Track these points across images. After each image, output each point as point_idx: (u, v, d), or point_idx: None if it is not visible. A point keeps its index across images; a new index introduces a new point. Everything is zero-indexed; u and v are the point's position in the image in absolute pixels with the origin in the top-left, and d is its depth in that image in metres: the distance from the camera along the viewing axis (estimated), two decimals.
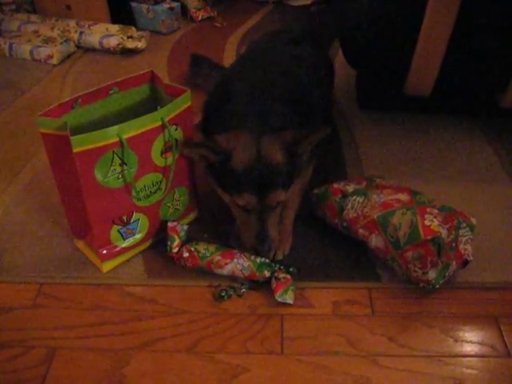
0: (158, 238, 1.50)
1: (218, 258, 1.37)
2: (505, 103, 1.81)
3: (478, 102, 2.00)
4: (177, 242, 1.40)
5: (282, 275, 1.33)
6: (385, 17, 1.72)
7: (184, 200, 1.51)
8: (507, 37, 1.64)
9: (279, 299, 1.30)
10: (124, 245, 1.42)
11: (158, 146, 1.32)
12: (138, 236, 1.44)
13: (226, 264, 1.36)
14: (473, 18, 1.61)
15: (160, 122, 1.29)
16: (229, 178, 1.30)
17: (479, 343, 1.25)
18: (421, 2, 1.60)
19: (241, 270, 1.35)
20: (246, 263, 1.35)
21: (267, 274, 1.35)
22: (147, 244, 1.49)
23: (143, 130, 1.27)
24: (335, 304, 1.34)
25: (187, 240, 1.44)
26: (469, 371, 1.19)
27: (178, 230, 1.42)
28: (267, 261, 1.36)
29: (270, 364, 1.20)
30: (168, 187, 1.40)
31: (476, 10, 1.59)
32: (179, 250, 1.40)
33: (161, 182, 1.39)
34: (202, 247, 1.39)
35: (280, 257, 1.42)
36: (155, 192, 1.39)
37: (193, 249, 1.39)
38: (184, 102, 1.35)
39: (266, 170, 1.27)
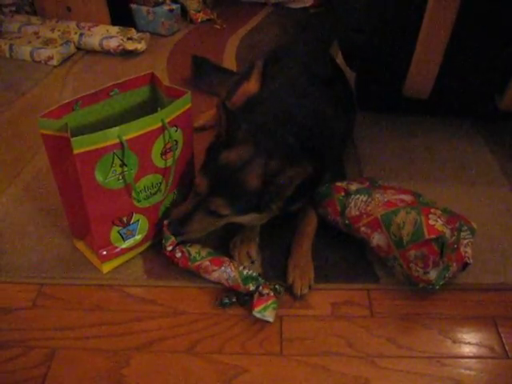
0: (158, 239, 1.50)
1: (206, 263, 1.36)
2: (503, 105, 1.81)
3: (477, 104, 2.00)
4: (171, 240, 1.38)
5: (265, 291, 1.29)
6: (383, 19, 1.73)
7: (184, 201, 1.51)
8: (506, 39, 1.65)
9: (257, 315, 1.27)
10: (124, 246, 1.43)
11: (158, 147, 1.32)
12: (138, 237, 1.45)
13: (214, 271, 1.35)
14: (471, 20, 1.61)
15: (160, 124, 1.30)
16: (211, 159, 1.35)
17: (477, 344, 1.25)
18: (420, 4, 1.61)
19: (226, 279, 1.34)
20: (233, 273, 1.33)
21: (252, 287, 1.31)
22: (147, 245, 1.49)
23: (143, 131, 1.27)
24: (334, 305, 1.34)
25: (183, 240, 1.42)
26: (467, 372, 1.19)
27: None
28: (254, 274, 1.33)
29: (269, 365, 1.20)
30: (168, 189, 1.40)
31: (474, 11, 1.59)
32: (173, 249, 1.39)
33: (161, 183, 1.39)
34: (194, 250, 1.39)
35: (305, 291, 1.35)
36: (155, 193, 1.40)
37: (185, 250, 1.38)
38: (184, 103, 1.35)
39: (233, 181, 1.30)
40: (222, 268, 1.34)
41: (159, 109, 1.32)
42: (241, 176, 1.30)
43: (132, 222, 1.40)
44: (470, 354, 1.23)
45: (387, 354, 1.23)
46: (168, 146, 1.34)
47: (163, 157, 1.35)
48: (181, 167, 1.43)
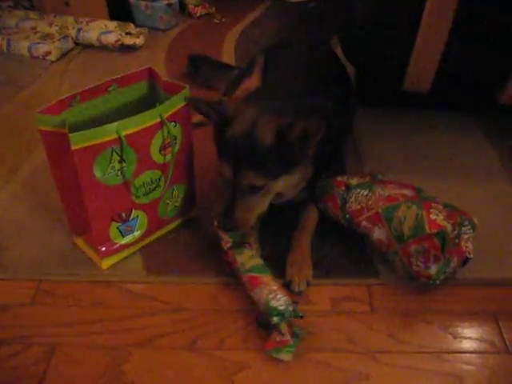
0: (157, 234, 1.50)
1: (246, 279, 1.30)
2: (504, 99, 1.81)
3: (478, 99, 1.99)
4: (224, 240, 1.36)
5: (284, 331, 1.19)
6: (384, 12, 1.72)
7: (183, 197, 1.51)
8: (506, 32, 1.64)
9: (269, 354, 1.20)
10: (123, 242, 1.42)
11: (156, 142, 1.31)
12: (137, 233, 1.44)
13: (249, 289, 1.29)
14: (472, 13, 1.61)
15: (159, 119, 1.29)
16: (222, 143, 1.34)
17: (478, 340, 1.25)
18: None
19: (257, 302, 1.27)
20: (261, 300, 1.24)
21: (274, 321, 1.20)
22: (146, 241, 1.49)
23: (142, 126, 1.26)
24: (334, 301, 1.34)
25: (240, 241, 1.38)
26: (468, 367, 1.19)
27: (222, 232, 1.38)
28: (281, 307, 1.20)
29: (270, 360, 1.20)
30: (167, 184, 1.40)
31: (475, 4, 1.59)
32: (227, 250, 1.36)
33: (160, 179, 1.39)
34: (241, 258, 1.33)
35: (302, 287, 1.35)
36: (154, 189, 1.39)
37: (235, 256, 1.34)
38: (183, 98, 1.34)
39: (249, 145, 1.26)
40: (257, 290, 1.26)
41: (158, 104, 1.31)
42: (253, 137, 1.27)
43: (131, 218, 1.39)
44: (471, 349, 1.23)
45: (388, 350, 1.23)
46: (167, 142, 1.33)
47: (162, 152, 1.34)
48: (180, 163, 1.42)
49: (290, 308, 1.20)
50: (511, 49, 1.66)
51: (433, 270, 1.27)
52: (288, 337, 1.18)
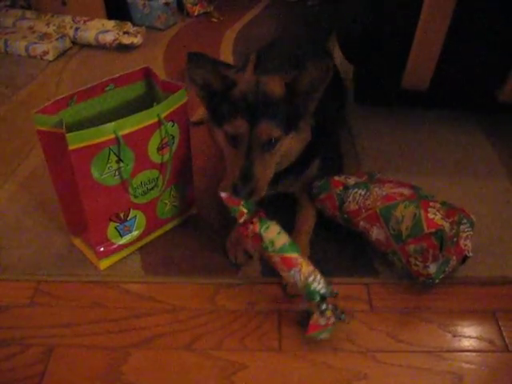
0: (155, 234, 1.50)
1: (277, 259, 1.25)
2: (503, 97, 1.80)
3: (476, 96, 1.99)
4: (239, 212, 1.28)
5: (328, 314, 1.18)
6: (382, 10, 1.71)
7: (181, 197, 1.50)
8: (505, 30, 1.63)
9: (312, 337, 1.20)
10: (121, 242, 1.42)
11: (154, 142, 1.31)
12: (135, 233, 1.44)
13: (282, 270, 1.25)
14: (471, 9, 1.60)
15: (156, 119, 1.28)
16: (225, 107, 1.29)
17: (477, 338, 1.25)
18: None
19: (292, 285, 1.26)
20: (300, 283, 1.21)
21: (315, 303, 1.19)
22: (144, 241, 1.48)
23: (139, 126, 1.26)
24: (334, 300, 1.33)
25: (254, 210, 1.30)
26: (467, 366, 1.19)
27: (237, 201, 1.30)
28: (322, 291, 1.20)
29: (268, 360, 1.20)
30: (165, 184, 1.39)
31: (473, 3, 1.58)
32: (245, 222, 1.28)
33: (157, 178, 1.38)
34: (268, 236, 1.26)
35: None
36: (152, 189, 1.38)
37: (259, 233, 1.26)
38: (180, 98, 1.34)
39: (262, 97, 1.26)
40: (291, 272, 1.22)
41: (155, 103, 1.31)
42: (265, 91, 1.27)
43: (129, 217, 1.39)
44: (470, 348, 1.23)
45: (387, 349, 1.22)
46: (164, 141, 1.33)
47: (160, 152, 1.34)
48: (178, 162, 1.42)
49: (330, 289, 1.21)
50: (510, 47, 1.66)
51: (432, 269, 1.27)
52: (332, 319, 1.19)
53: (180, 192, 1.49)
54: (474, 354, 1.22)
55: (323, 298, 1.19)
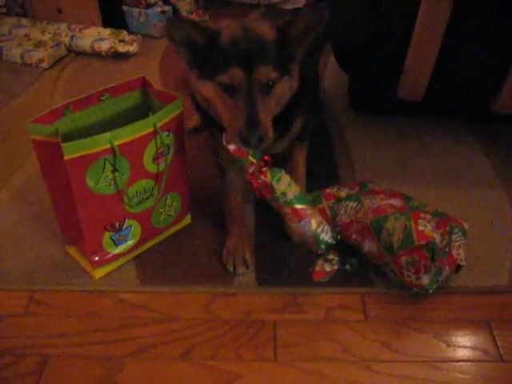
0: (151, 243, 1.50)
1: (287, 210, 1.27)
2: (496, 107, 1.81)
3: (471, 107, 2.00)
4: (250, 161, 1.26)
5: (333, 259, 1.30)
6: (377, 20, 1.72)
7: (176, 206, 1.51)
8: (498, 41, 1.65)
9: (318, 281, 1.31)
10: (116, 251, 1.42)
11: (149, 152, 1.31)
12: (131, 242, 1.44)
13: (291, 221, 1.29)
14: (465, 21, 1.61)
15: (152, 129, 1.29)
16: (214, 58, 1.20)
17: (472, 348, 1.25)
18: (413, 6, 1.61)
19: (300, 234, 1.29)
20: (310, 232, 1.27)
21: (322, 250, 1.30)
22: (140, 250, 1.48)
23: (135, 136, 1.26)
24: (328, 309, 1.33)
25: (261, 156, 1.29)
26: (462, 376, 1.19)
27: (245, 152, 1.27)
28: (330, 240, 1.29)
29: (263, 370, 1.20)
30: (160, 193, 1.39)
31: (467, 13, 1.60)
32: (254, 172, 1.27)
33: (153, 188, 1.38)
34: (280, 188, 1.26)
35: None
36: (147, 198, 1.39)
37: (270, 184, 1.26)
38: (176, 108, 1.34)
39: (254, 41, 1.20)
40: (302, 223, 1.27)
41: (151, 113, 1.31)
42: (257, 34, 1.21)
43: (124, 227, 1.39)
44: (465, 358, 1.23)
45: (382, 359, 1.22)
46: (160, 151, 1.33)
47: (155, 162, 1.34)
48: (173, 172, 1.42)
49: (335, 237, 1.29)
50: (503, 57, 1.67)
51: (424, 280, 1.27)
52: (336, 266, 1.30)
53: (175, 201, 1.49)
54: (468, 363, 1.22)
55: (329, 247, 1.27)
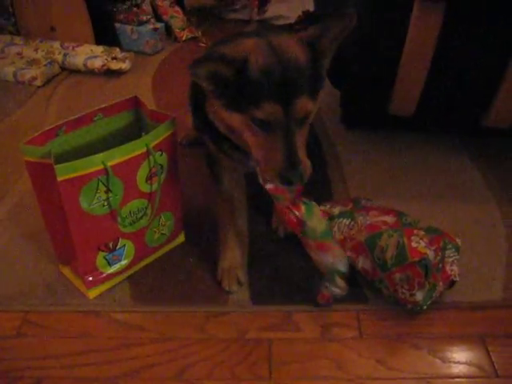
0: (144, 262, 1.50)
1: (312, 243, 1.23)
2: (487, 123, 1.83)
3: (462, 121, 2.01)
4: (282, 199, 1.22)
5: (340, 283, 1.29)
6: (368, 37, 1.74)
7: (170, 225, 1.51)
8: (489, 57, 1.67)
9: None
10: (110, 271, 1.41)
11: (143, 172, 1.31)
12: (124, 262, 1.43)
13: (314, 253, 1.26)
14: (454, 39, 1.63)
15: (145, 149, 1.29)
16: (245, 90, 1.08)
17: (467, 364, 1.25)
18: (403, 22, 1.62)
19: (319, 263, 1.27)
20: (329, 264, 1.26)
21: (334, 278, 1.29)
22: (133, 269, 1.48)
23: (128, 156, 1.26)
24: (323, 327, 1.33)
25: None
26: None
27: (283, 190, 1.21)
28: (342, 269, 1.27)
29: None
30: (154, 213, 1.39)
31: (458, 30, 1.61)
32: (290, 208, 1.23)
33: (146, 207, 1.38)
34: (311, 224, 1.22)
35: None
36: (141, 218, 1.39)
37: (303, 219, 1.22)
38: (168, 127, 1.34)
39: (289, 70, 1.06)
40: (325, 255, 1.25)
41: (143, 133, 1.32)
42: (289, 58, 1.08)
43: (118, 247, 1.38)
44: (460, 374, 1.23)
45: (377, 376, 1.22)
46: (153, 171, 1.33)
47: (148, 181, 1.34)
48: (167, 191, 1.42)
49: (347, 265, 1.29)
50: (494, 73, 1.69)
51: (418, 296, 1.28)
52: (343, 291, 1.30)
53: (169, 220, 1.49)
54: (463, 379, 1.22)
55: (341, 274, 1.27)
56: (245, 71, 1.07)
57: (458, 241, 1.38)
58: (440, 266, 1.30)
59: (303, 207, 1.23)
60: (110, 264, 1.40)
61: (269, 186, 1.20)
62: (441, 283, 1.31)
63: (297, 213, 1.23)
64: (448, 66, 1.69)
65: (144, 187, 1.34)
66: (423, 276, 1.25)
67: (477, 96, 1.81)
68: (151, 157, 1.30)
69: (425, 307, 1.30)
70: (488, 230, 1.64)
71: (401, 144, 2.08)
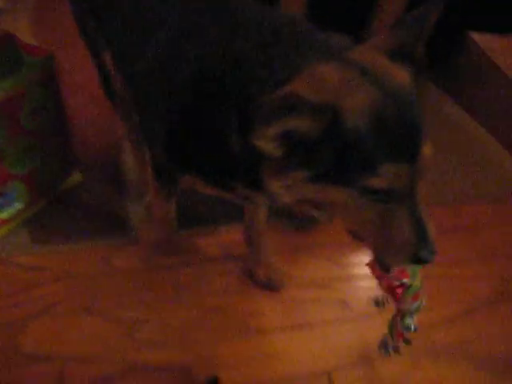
0: (41, 204, 1.46)
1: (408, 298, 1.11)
2: None
3: None
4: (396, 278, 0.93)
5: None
6: None
7: (61, 162, 1.47)
8: None
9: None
10: (3, 216, 1.37)
11: (26, 109, 1.26)
12: (18, 205, 1.39)
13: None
14: None
15: (26, 84, 1.23)
16: (343, 152, 0.70)
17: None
18: None
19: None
20: (410, 308, 1.06)
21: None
22: (31, 212, 1.44)
23: (8, 93, 1.20)
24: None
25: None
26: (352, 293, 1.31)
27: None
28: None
29: (167, 312, 1.24)
30: (43, 151, 1.35)
31: None
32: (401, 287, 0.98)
33: (35, 146, 1.33)
34: (408, 304, 0.97)
35: None
36: (31, 158, 1.34)
37: (410, 283, 0.95)
38: (49, 62, 1.28)
39: (407, 110, 0.72)
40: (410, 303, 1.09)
41: (24, 68, 1.25)
42: (399, 93, 0.72)
43: (8, 190, 1.34)
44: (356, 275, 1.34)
45: None
46: (37, 108, 1.28)
47: (33, 118, 1.29)
48: (54, 126, 1.37)
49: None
50: None
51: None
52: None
53: (59, 158, 1.45)
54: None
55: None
56: (339, 124, 0.69)
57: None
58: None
59: (409, 271, 0.97)
60: (1, 209, 1.35)
61: (390, 276, 0.92)
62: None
63: (405, 280, 0.96)
64: None
65: (28, 125, 1.29)
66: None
67: None
68: (34, 93, 1.25)
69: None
70: None
71: None
